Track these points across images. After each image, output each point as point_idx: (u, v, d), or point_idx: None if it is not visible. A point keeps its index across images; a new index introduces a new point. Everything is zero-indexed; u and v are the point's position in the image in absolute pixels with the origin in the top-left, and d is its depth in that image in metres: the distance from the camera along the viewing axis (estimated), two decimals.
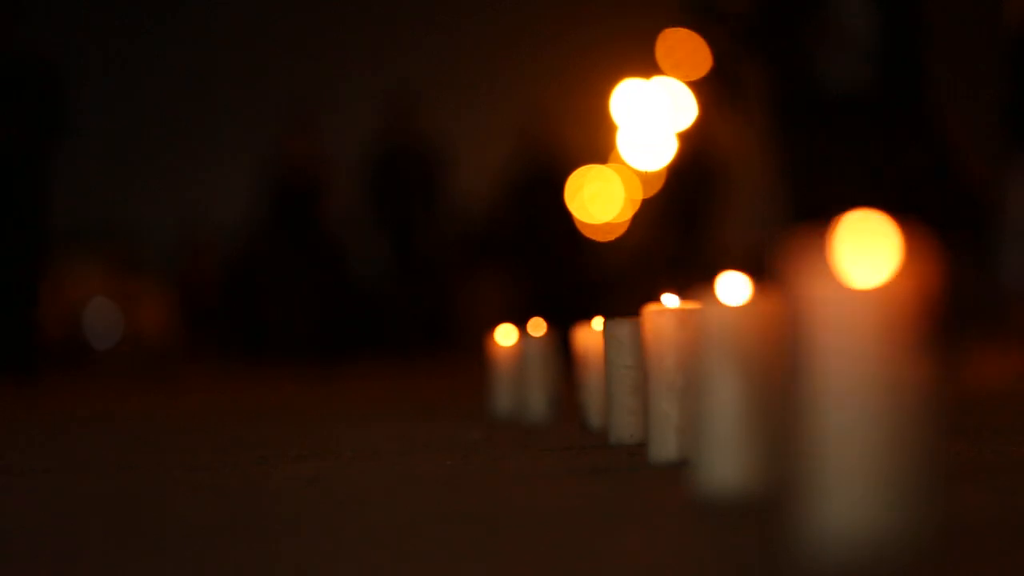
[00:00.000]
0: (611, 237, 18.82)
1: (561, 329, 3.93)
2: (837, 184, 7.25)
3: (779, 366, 1.71)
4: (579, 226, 14.72)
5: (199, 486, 2.25)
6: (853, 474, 1.29)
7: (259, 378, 13.62)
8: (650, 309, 2.26)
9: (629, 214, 21.47)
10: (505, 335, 4.05)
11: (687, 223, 14.32)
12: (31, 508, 1.99)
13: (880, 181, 7.28)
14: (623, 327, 2.68)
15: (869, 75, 7.19)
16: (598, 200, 21.30)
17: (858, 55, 7.17)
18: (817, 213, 7.08)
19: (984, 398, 5.24)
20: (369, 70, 13.06)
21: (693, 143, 13.91)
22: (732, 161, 14.06)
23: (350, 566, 1.40)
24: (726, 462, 1.81)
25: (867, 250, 1.31)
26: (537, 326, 3.86)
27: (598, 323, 3.11)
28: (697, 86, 14.74)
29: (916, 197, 7.89)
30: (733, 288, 1.80)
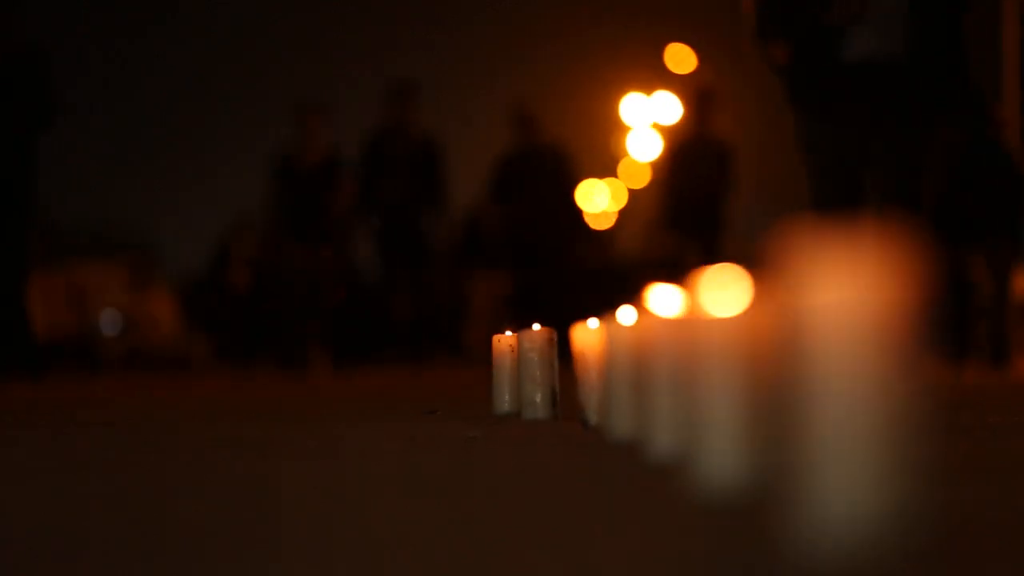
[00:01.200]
0: (607, 225, 18.72)
1: (561, 326, 3.93)
2: (862, 168, 6.67)
3: (775, 365, 1.69)
4: (583, 219, 14.09)
5: (200, 485, 2.26)
6: (850, 474, 1.29)
7: (261, 376, 13.60)
8: (644, 308, 2.26)
9: (623, 205, 21.38)
10: (506, 333, 4.06)
11: (680, 212, 13.93)
12: (31, 508, 1.99)
13: (912, 161, 6.72)
14: (622, 325, 2.68)
15: (898, 45, 6.56)
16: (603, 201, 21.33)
17: (886, 23, 6.55)
18: (835, 201, 6.67)
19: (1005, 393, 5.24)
20: (370, 70, 12.96)
21: (687, 135, 13.38)
22: (734, 149, 13.54)
23: (348, 567, 1.40)
24: (724, 461, 1.81)
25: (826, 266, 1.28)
26: (537, 325, 3.87)
27: (597, 321, 3.11)
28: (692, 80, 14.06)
29: (951, 180, 7.16)
30: (721, 281, 1.74)
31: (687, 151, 12.96)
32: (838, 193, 6.51)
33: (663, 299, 2.20)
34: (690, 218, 12.68)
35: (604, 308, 2.97)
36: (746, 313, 1.73)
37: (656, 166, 14.42)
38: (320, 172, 13.29)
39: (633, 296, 2.28)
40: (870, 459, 1.29)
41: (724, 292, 1.73)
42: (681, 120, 14.12)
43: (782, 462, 1.37)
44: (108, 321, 22.21)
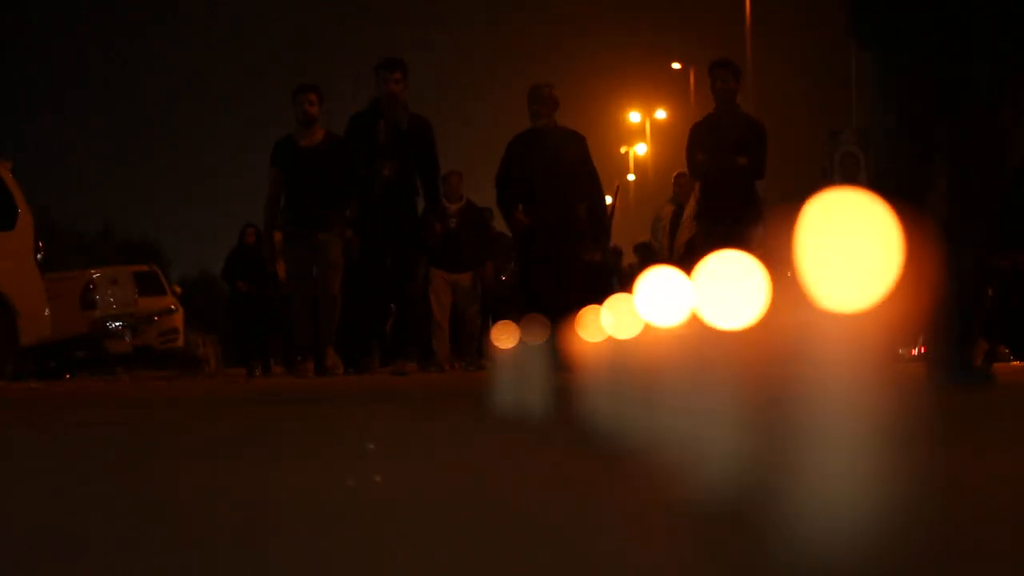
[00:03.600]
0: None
1: (562, 324, 3.93)
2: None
3: (772, 369, 1.68)
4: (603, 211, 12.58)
5: (200, 485, 2.26)
6: (847, 476, 1.29)
7: (264, 376, 13.58)
8: (645, 306, 2.25)
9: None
10: (506, 330, 4.06)
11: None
12: (31, 508, 1.99)
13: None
14: (622, 322, 2.68)
15: None
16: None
17: None
18: (905, 163, 5.66)
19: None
20: (372, 71, 12.53)
21: (712, 111, 11.69)
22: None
23: (348, 567, 1.40)
24: (721, 466, 1.81)
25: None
26: (538, 321, 3.87)
27: (599, 317, 3.11)
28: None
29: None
30: (723, 269, 1.57)
31: (713, 129, 11.51)
32: (910, 153, 5.69)
33: (667, 297, 2.18)
34: (723, 204, 11.29)
35: (604, 303, 2.95)
36: (755, 321, 1.61)
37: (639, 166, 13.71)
38: (321, 155, 12.61)
39: (633, 291, 2.25)
40: (867, 461, 1.29)
41: (730, 291, 1.59)
42: (710, 94, 11.89)
43: (781, 464, 1.37)
44: (118, 322, 22.31)
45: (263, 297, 18.57)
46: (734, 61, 12.14)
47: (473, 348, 16.24)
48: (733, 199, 11.21)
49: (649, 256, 18.50)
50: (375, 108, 12.18)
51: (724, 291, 1.59)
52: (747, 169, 11.27)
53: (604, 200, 12.21)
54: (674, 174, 16.36)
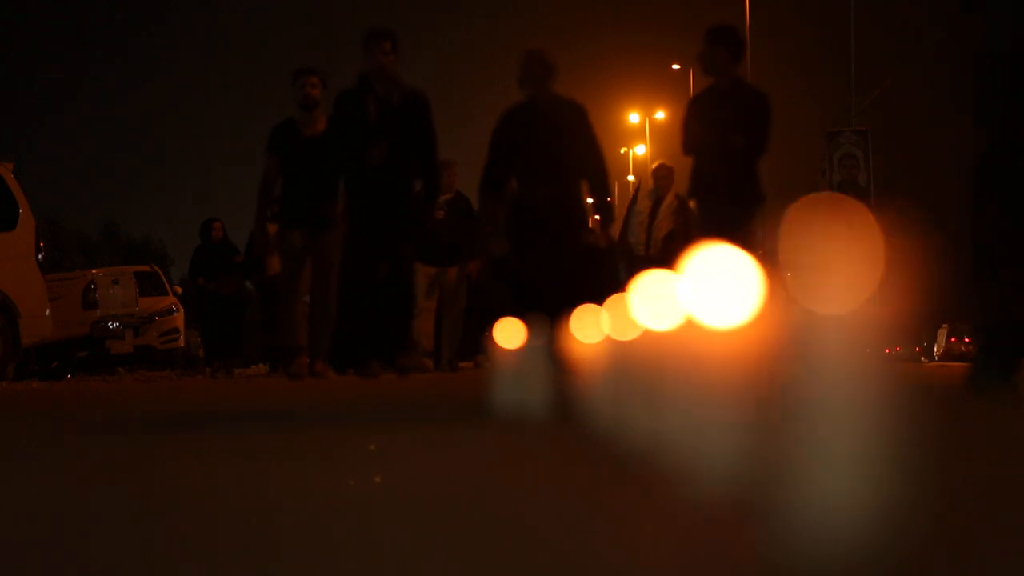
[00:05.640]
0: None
1: (560, 322, 3.91)
2: None
3: (772, 368, 1.68)
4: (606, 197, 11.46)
5: (201, 486, 2.26)
6: (845, 476, 1.30)
7: (261, 377, 13.55)
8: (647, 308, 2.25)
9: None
10: (506, 330, 4.05)
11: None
12: (31, 508, 1.99)
13: None
14: (623, 323, 2.68)
15: None
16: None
17: None
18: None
19: None
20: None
21: (711, 84, 11.03)
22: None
23: (348, 568, 1.41)
24: (724, 465, 1.81)
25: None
26: (536, 319, 3.86)
27: (602, 318, 3.11)
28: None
29: None
30: (715, 263, 1.52)
31: (712, 102, 10.38)
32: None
33: (661, 302, 2.18)
34: (723, 182, 10.07)
35: (606, 298, 2.93)
36: (750, 320, 1.58)
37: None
38: (325, 145, 11.27)
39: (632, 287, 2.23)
40: (864, 461, 1.29)
41: (725, 290, 1.55)
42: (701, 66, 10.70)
43: (779, 465, 1.38)
44: (120, 323, 22.31)
45: (230, 295, 18.39)
46: (730, 27, 11.15)
47: (454, 348, 15.88)
48: (730, 178, 10.12)
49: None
50: (363, 83, 10.99)
51: (718, 290, 1.58)
52: (746, 147, 10.20)
53: (608, 179, 11.18)
54: (652, 166, 15.79)
